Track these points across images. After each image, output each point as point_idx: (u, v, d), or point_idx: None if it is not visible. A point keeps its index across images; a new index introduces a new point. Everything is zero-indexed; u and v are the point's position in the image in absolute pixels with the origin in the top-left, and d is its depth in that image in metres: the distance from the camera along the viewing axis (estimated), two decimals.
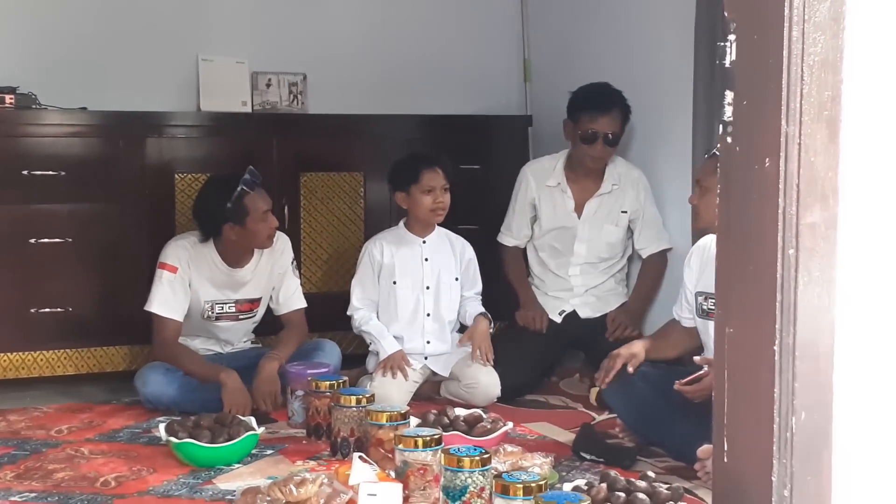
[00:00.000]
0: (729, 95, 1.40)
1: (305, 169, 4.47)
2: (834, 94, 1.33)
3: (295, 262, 4.06)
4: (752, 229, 1.36)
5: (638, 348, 3.45)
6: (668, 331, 3.60)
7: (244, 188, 3.73)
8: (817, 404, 1.35)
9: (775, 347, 1.34)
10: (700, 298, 3.37)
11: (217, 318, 3.92)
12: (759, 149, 1.34)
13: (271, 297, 4.02)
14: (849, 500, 1.41)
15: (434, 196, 3.93)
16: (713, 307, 2.26)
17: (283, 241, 3.99)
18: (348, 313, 4.01)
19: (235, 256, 3.88)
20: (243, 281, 3.92)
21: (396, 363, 3.88)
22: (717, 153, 1.48)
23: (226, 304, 3.91)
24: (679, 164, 4.19)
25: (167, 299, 3.79)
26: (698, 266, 3.39)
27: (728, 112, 1.40)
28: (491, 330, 4.03)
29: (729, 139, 1.38)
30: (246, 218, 3.76)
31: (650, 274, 4.38)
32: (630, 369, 3.40)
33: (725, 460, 1.40)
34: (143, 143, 4.24)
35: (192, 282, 3.84)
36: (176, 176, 4.26)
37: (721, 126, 1.41)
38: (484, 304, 4.13)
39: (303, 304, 4.03)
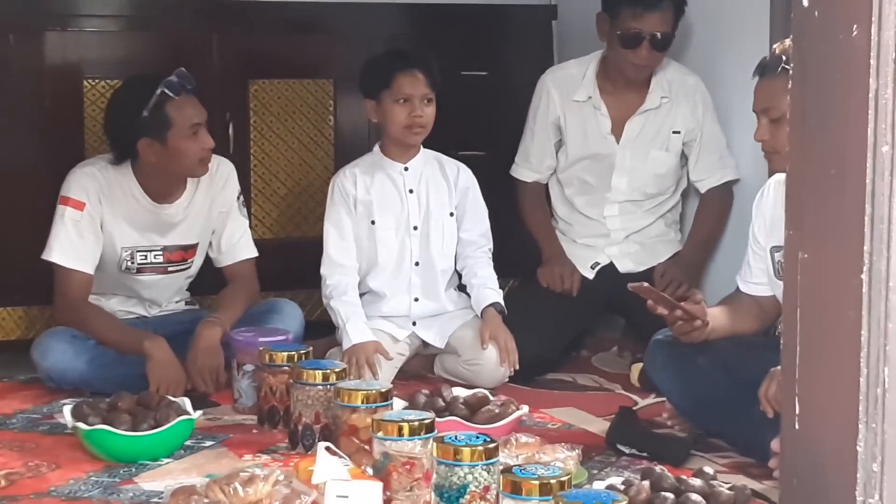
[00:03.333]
0: None
1: (256, 75, 4.47)
2: None
3: (242, 199, 4.07)
4: (835, 121, 1.36)
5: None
6: (735, 304, 3.47)
7: (166, 91, 3.72)
8: None
9: (863, 276, 1.34)
10: (778, 254, 3.28)
11: (139, 271, 3.94)
12: (845, 13, 1.33)
13: (210, 243, 4.04)
14: None
15: (410, 108, 3.92)
16: None
17: (225, 170, 4.00)
18: (322, 272, 3.99)
19: (161, 187, 3.88)
20: (173, 221, 3.93)
21: (367, 358, 3.77)
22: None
23: (150, 251, 3.93)
24: (751, 70, 4.17)
25: (72, 245, 3.80)
26: (772, 209, 3.31)
27: None
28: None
29: (805, 2, 1.38)
30: (167, 132, 3.74)
31: (711, 213, 4.39)
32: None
33: (797, 427, 1.42)
34: (42, 38, 4.24)
35: (105, 222, 3.85)
36: (85, 82, 4.26)
37: None
38: (493, 256, 4.13)
39: (253, 253, 4.05)
